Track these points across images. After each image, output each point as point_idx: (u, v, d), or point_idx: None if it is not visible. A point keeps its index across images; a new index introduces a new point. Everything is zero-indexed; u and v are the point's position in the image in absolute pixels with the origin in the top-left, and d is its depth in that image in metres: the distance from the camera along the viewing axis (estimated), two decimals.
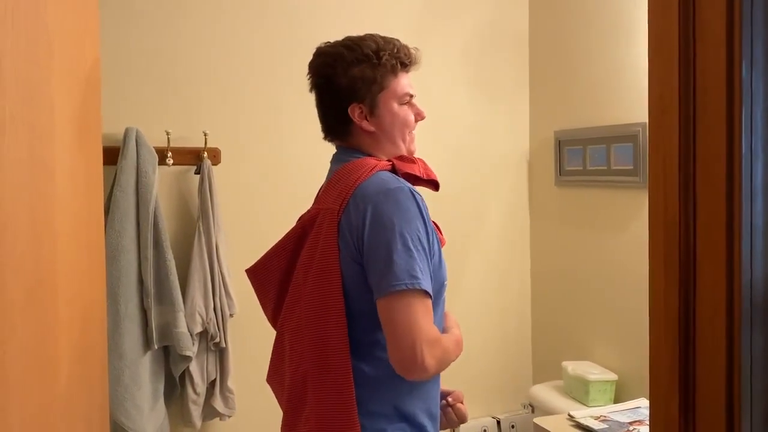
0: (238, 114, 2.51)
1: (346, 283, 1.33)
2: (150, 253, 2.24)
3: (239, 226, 2.52)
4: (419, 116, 1.53)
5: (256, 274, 1.55)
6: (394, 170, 1.44)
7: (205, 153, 2.40)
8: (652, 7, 0.85)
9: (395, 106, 1.47)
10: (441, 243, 1.43)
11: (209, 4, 2.47)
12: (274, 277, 1.49)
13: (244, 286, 2.50)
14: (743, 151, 0.73)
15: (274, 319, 1.53)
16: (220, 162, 2.46)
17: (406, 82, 1.49)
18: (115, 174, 2.24)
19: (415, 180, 1.47)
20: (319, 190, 1.55)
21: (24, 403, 0.82)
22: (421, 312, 1.25)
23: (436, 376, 1.43)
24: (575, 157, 2.69)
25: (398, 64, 1.46)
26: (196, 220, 2.39)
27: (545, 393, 2.56)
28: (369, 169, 1.39)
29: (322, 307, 1.34)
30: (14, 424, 0.79)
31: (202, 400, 2.37)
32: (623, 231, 2.46)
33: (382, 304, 1.27)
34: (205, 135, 2.40)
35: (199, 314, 2.31)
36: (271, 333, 2.54)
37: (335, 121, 1.49)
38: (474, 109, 2.90)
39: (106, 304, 1.23)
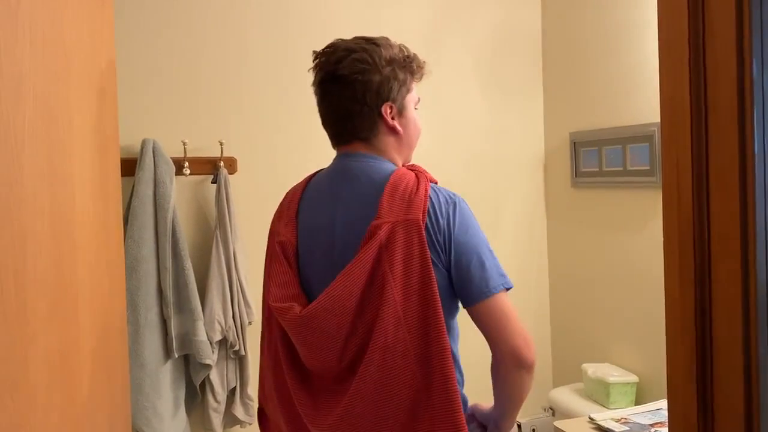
0: (254, 123, 2.53)
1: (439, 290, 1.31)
2: (169, 262, 2.26)
3: (256, 234, 2.53)
4: (420, 125, 1.54)
5: (314, 320, 1.32)
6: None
7: (222, 162, 2.42)
8: (662, 7, 0.85)
9: (413, 110, 1.49)
10: None
11: (223, 15, 2.49)
12: (347, 310, 1.31)
13: (261, 294, 2.52)
14: (756, 150, 0.73)
15: (339, 360, 1.34)
16: (236, 171, 2.48)
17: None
18: (133, 185, 2.26)
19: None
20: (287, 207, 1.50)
21: (47, 413, 0.83)
22: (513, 309, 1.35)
23: None
24: (591, 159, 2.68)
25: (420, 69, 1.48)
26: (213, 229, 2.41)
27: (565, 396, 2.55)
28: (424, 179, 1.38)
29: (432, 323, 1.30)
30: None
31: (222, 407, 2.38)
32: (641, 231, 2.44)
33: (483, 307, 1.32)
34: (221, 144, 2.43)
35: (218, 322, 2.33)
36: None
37: (364, 121, 1.43)
38: (489, 112, 2.90)
39: (126, 313, 1.24)
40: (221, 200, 2.39)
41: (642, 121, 2.40)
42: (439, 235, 1.32)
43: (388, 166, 1.43)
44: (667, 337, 0.88)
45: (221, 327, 2.33)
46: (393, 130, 1.44)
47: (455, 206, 1.35)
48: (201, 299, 2.32)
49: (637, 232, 2.47)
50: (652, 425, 1.99)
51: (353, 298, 1.29)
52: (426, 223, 1.31)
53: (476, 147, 2.86)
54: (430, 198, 1.35)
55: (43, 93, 0.83)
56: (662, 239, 0.87)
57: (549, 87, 2.95)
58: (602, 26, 2.62)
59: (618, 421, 2.04)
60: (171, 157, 2.33)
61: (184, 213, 2.43)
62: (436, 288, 1.29)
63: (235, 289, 2.38)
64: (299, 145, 2.59)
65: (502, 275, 1.34)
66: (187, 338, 2.29)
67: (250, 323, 2.44)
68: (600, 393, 2.40)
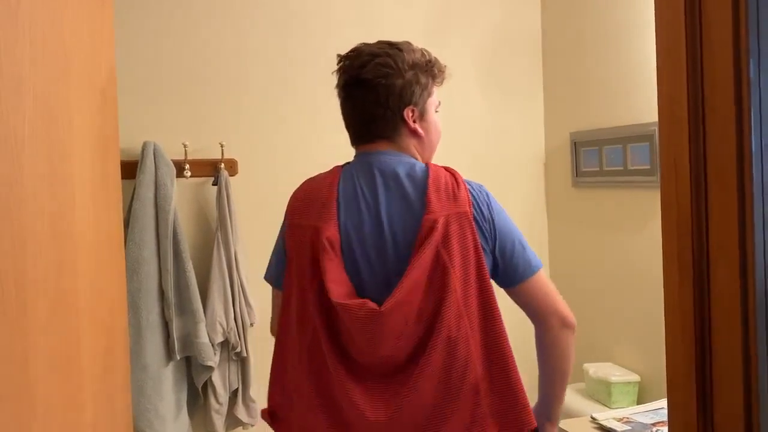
0: (254, 125, 2.53)
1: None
2: (170, 264, 2.26)
3: (257, 235, 2.54)
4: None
5: (390, 316, 1.32)
6: None
7: (222, 164, 2.43)
8: (659, 8, 0.86)
9: (434, 113, 1.53)
10: None
11: (224, 17, 2.49)
12: (415, 303, 1.33)
13: (263, 296, 2.52)
14: (753, 149, 0.73)
15: (412, 350, 1.34)
16: (237, 173, 2.49)
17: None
18: (134, 187, 2.27)
19: None
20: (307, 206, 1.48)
21: (49, 415, 0.83)
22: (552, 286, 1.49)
23: None
24: (591, 158, 2.68)
25: (441, 73, 1.52)
26: (214, 230, 2.42)
27: (567, 396, 2.53)
28: (457, 173, 1.45)
29: (487, 306, 1.38)
30: None
31: (224, 409, 2.38)
32: (642, 231, 2.44)
33: (530, 283, 1.45)
34: (222, 146, 2.43)
35: (220, 324, 2.33)
36: None
37: (387, 123, 1.47)
38: (489, 112, 2.90)
39: (127, 315, 1.24)
40: (222, 202, 2.39)
41: (642, 120, 2.40)
42: (485, 223, 1.41)
43: (419, 163, 1.47)
44: (667, 337, 0.88)
45: (223, 329, 2.34)
46: (414, 134, 1.48)
47: (488, 195, 1.45)
48: (202, 301, 2.33)
49: (638, 232, 2.47)
50: (653, 424, 1.99)
51: (419, 292, 1.32)
52: (473, 214, 1.39)
53: (476, 147, 2.86)
54: (470, 190, 1.42)
55: (43, 94, 0.83)
56: None
57: (549, 87, 2.95)
58: (602, 26, 2.62)
59: (620, 420, 2.04)
60: (172, 159, 2.34)
61: (185, 215, 2.44)
62: (488, 276, 1.38)
63: (236, 290, 2.38)
64: (299, 147, 2.60)
65: (536, 255, 1.47)
66: (189, 340, 2.30)
67: (251, 325, 2.44)
68: (602, 393, 2.40)
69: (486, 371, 1.35)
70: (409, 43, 1.50)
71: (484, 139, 2.89)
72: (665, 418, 2.01)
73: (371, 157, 1.48)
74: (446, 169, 1.47)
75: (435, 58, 1.52)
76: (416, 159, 1.49)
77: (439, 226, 1.34)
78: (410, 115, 1.46)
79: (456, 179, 1.43)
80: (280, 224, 2.57)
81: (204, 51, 2.47)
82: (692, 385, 0.83)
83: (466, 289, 1.35)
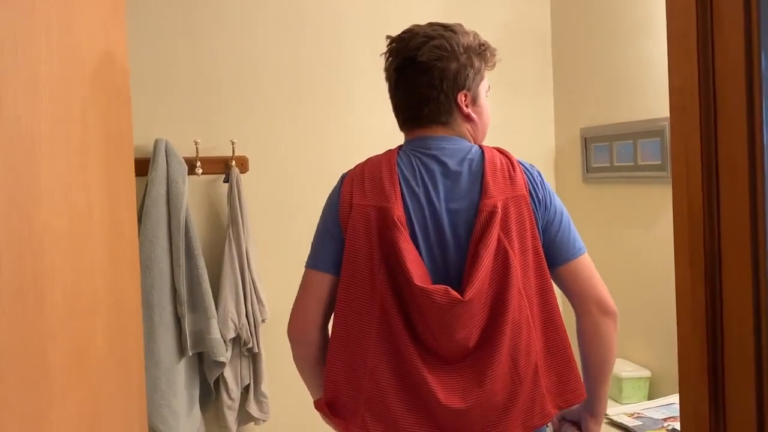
0: (265, 122, 2.54)
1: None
2: (182, 261, 2.28)
3: (268, 232, 2.55)
4: None
5: (470, 305, 1.31)
6: None
7: (234, 161, 2.44)
8: (670, 1, 0.86)
9: (485, 98, 1.53)
10: None
11: (235, 15, 2.50)
12: (485, 290, 1.33)
13: (274, 292, 2.53)
14: (765, 143, 0.73)
15: (481, 337, 1.34)
16: (248, 170, 2.50)
17: None
18: (146, 185, 2.28)
19: None
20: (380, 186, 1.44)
21: (66, 408, 0.85)
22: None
23: None
24: (602, 154, 2.68)
25: (491, 57, 1.51)
26: (226, 227, 2.43)
27: None
28: (511, 155, 1.47)
29: (544, 287, 1.41)
30: (57, 431, 0.82)
31: (236, 405, 2.40)
32: (653, 226, 2.44)
33: (575, 264, 1.46)
34: (233, 144, 2.44)
35: (232, 320, 2.35)
36: None
37: (441, 107, 1.45)
38: (499, 109, 2.88)
39: (141, 312, 1.26)
40: (233, 199, 2.40)
41: (653, 115, 2.40)
42: (539, 205, 1.42)
43: (474, 147, 1.46)
44: (679, 332, 0.88)
45: (234, 325, 2.35)
46: (468, 118, 1.48)
47: (541, 176, 1.47)
48: (214, 297, 2.34)
49: (648, 227, 2.46)
50: (665, 420, 1.99)
51: (488, 277, 1.33)
52: (530, 196, 1.41)
53: (487, 143, 2.86)
54: (525, 171, 1.44)
55: (59, 93, 0.84)
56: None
57: (559, 83, 2.95)
58: (612, 21, 2.61)
59: (631, 416, 2.04)
60: (183, 157, 2.35)
61: (197, 212, 2.45)
62: (544, 258, 1.41)
63: (248, 287, 2.39)
64: (310, 143, 2.60)
65: (579, 237, 1.49)
66: (201, 336, 2.31)
67: (263, 321, 2.46)
68: (612, 388, 2.40)
69: (544, 350, 1.39)
70: (461, 26, 1.50)
71: (494, 136, 2.86)
72: (676, 414, 2.01)
73: (427, 141, 1.46)
74: (499, 150, 1.47)
75: (486, 41, 1.51)
76: (470, 143, 1.49)
77: (499, 210, 1.35)
78: (463, 99, 1.46)
79: (511, 161, 1.44)
80: (291, 220, 2.59)
81: (215, 49, 2.48)
82: (704, 380, 0.83)
83: (525, 272, 1.37)
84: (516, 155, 3.02)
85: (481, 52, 1.48)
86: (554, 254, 1.44)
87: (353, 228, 1.41)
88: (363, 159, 2.82)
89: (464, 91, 1.45)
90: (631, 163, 2.51)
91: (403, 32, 1.50)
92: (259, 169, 2.53)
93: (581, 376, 1.41)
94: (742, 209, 0.75)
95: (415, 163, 1.43)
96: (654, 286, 2.45)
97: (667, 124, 2.31)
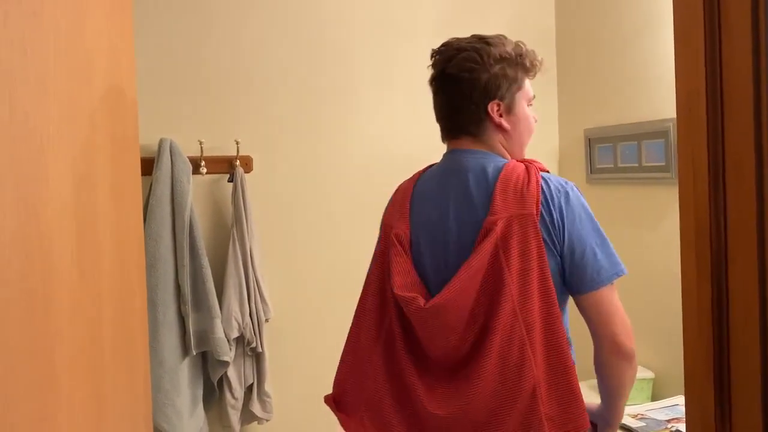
0: (269, 122, 2.55)
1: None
2: (186, 260, 2.28)
3: (272, 232, 2.56)
4: (535, 120, 1.57)
5: (439, 310, 1.34)
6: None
7: (238, 161, 2.44)
8: (677, 1, 0.86)
9: (525, 107, 1.53)
10: None
11: (240, 14, 2.51)
12: (466, 304, 1.35)
13: (278, 292, 2.54)
14: None
15: (456, 350, 1.37)
16: (252, 170, 2.50)
17: (530, 84, 1.55)
18: (151, 184, 2.29)
19: None
20: (406, 203, 1.51)
21: (73, 408, 0.85)
22: (619, 300, 1.41)
23: None
24: (606, 155, 2.68)
25: (534, 66, 1.52)
26: (230, 227, 2.43)
27: (582, 392, 2.54)
28: (534, 170, 1.41)
29: (548, 311, 1.35)
30: (64, 429, 0.82)
31: (240, 404, 2.40)
32: (657, 227, 2.43)
33: (593, 297, 1.38)
34: (237, 144, 2.45)
35: (236, 320, 2.35)
36: (306, 337, 2.57)
37: (472, 117, 1.48)
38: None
39: (147, 311, 1.26)
40: (237, 199, 2.40)
41: (657, 116, 2.39)
42: (553, 228, 1.36)
43: (498, 161, 1.46)
44: (685, 333, 0.88)
45: (238, 324, 2.35)
46: (500, 127, 1.49)
47: (567, 196, 1.39)
48: (218, 297, 2.35)
49: (652, 228, 2.46)
50: (668, 421, 1.99)
51: (472, 293, 1.33)
52: (541, 215, 1.36)
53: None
54: (543, 189, 1.38)
55: (66, 94, 0.85)
56: (678, 235, 0.87)
57: (563, 83, 2.95)
58: (616, 22, 2.61)
59: (634, 417, 2.04)
60: (188, 157, 2.35)
61: (201, 212, 2.45)
62: (552, 283, 1.34)
63: (251, 286, 2.40)
64: (314, 144, 2.61)
65: (615, 263, 1.39)
66: (205, 335, 2.31)
67: (267, 320, 2.46)
68: None
69: (546, 375, 1.33)
70: (501, 37, 1.50)
71: None
72: (680, 415, 2.01)
73: (454, 155, 1.50)
74: (528, 164, 1.44)
75: (529, 50, 1.52)
76: (502, 154, 1.50)
77: (498, 228, 1.34)
78: (495, 109, 1.47)
79: (529, 177, 1.39)
80: (295, 220, 2.59)
81: (220, 49, 2.48)
82: (710, 382, 0.83)
83: (525, 292, 1.33)
84: None
85: (519, 62, 1.49)
86: (573, 282, 1.40)
87: (377, 242, 1.56)
88: (367, 160, 2.83)
89: (496, 101, 1.47)
90: (636, 164, 2.51)
91: (441, 45, 1.53)
92: (264, 169, 2.53)
93: (584, 409, 1.36)
94: (748, 210, 0.75)
95: (434, 180, 1.50)
96: (656, 288, 2.44)
97: (671, 125, 2.31)
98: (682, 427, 1.93)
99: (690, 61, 0.83)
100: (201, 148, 2.40)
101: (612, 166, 2.64)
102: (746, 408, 0.80)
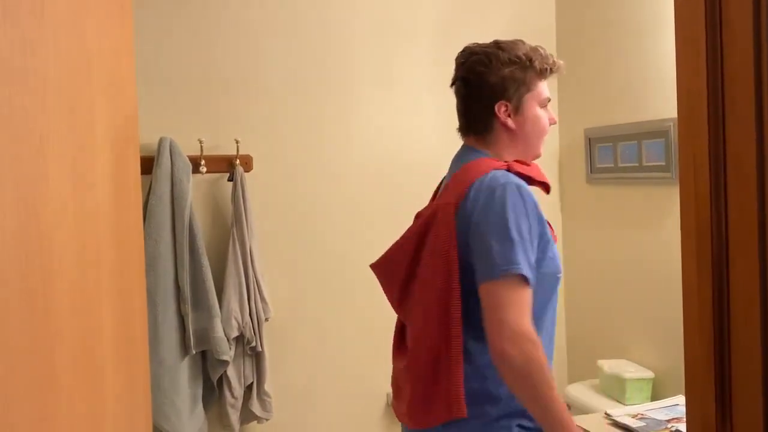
0: (269, 121, 2.55)
1: (462, 267, 1.44)
2: (186, 259, 2.28)
3: (272, 231, 2.55)
4: (552, 121, 1.64)
5: (380, 268, 1.63)
6: (508, 170, 1.52)
7: (238, 160, 2.44)
8: (679, 1, 0.86)
9: (537, 108, 1.59)
10: (554, 239, 1.51)
11: (240, 14, 2.51)
12: (399, 269, 1.56)
13: (278, 291, 2.54)
14: None
15: (399, 308, 1.62)
16: (252, 169, 2.50)
17: (546, 87, 1.60)
18: (151, 183, 2.29)
19: (529, 181, 1.54)
20: (438, 188, 1.69)
21: (73, 407, 0.85)
22: (519, 300, 1.35)
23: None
24: (606, 155, 2.67)
25: (548, 70, 1.58)
26: (230, 226, 2.43)
27: (581, 392, 2.55)
28: (486, 168, 1.49)
29: (446, 289, 1.43)
30: (64, 428, 0.82)
31: (239, 403, 2.40)
32: (657, 227, 2.43)
33: (483, 289, 1.39)
34: (237, 143, 2.44)
35: (235, 319, 2.35)
36: (306, 337, 2.58)
37: (479, 116, 1.58)
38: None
39: (146, 311, 1.26)
40: (237, 198, 2.40)
41: (657, 116, 2.39)
42: (464, 216, 1.45)
43: (482, 159, 1.54)
44: (685, 333, 0.88)
45: (238, 324, 2.35)
46: (505, 127, 1.56)
47: (493, 193, 1.42)
48: (218, 296, 2.35)
49: (652, 228, 2.46)
50: (668, 421, 1.99)
51: (402, 263, 1.55)
52: (461, 206, 1.46)
53: None
54: (474, 184, 1.46)
55: (66, 93, 0.85)
56: (678, 235, 0.87)
57: (563, 83, 2.94)
58: (617, 21, 2.61)
59: (634, 417, 2.04)
60: (187, 156, 2.35)
61: (201, 211, 2.45)
62: (455, 265, 1.43)
63: (251, 286, 2.40)
64: (315, 143, 2.61)
65: (510, 261, 1.36)
66: (205, 334, 2.31)
67: (266, 319, 2.46)
68: (616, 389, 2.40)
69: (444, 348, 1.44)
70: (516, 42, 1.58)
71: None
72: (680, 415, 2.01)
73: (459, 151, 1.63)
74: (496, 163, 1.51)
75: (543, 54, 1.57)
76: (501, 154, 1.57)
77: (423, 217, 1.52)
78: (503, 109, 1.55)
79: (478, 172, 1.48)
80: (294, 219, 2.59)
81: (220, 48, 2.48)
82: (711, 381, 0.83)
83: (433, 272, 1.46)
84: None
85: (530, 65, 1.55)
86: (475, 270, 1.42)
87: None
88: (367, 159, 2.83)
89: (503, 101, 1.55)
90: (636, 164, 2.51)
91: (461, 50, 1.64)
92: (264, 168, 2.53)
93: (459, 394, 1.39)
94: (750, 210, 0.75)
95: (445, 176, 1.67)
96: (656, 287, 2.44)
97: (672, 124, 2.31)
98: (683, 427, 1.93)
99: (691, 60, 0.82)
100: (201, 147, 2.40)
101: (612, 165, 2.64)
102: (747, 408, 0.80)
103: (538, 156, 1.64)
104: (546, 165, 2.97)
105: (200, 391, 2.38)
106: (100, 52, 0.98)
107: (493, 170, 1.47)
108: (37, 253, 0.75)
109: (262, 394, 2.44)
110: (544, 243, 1.45)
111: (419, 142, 2.71)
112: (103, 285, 0.96)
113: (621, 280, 2.66)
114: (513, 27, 2.89)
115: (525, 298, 1.36)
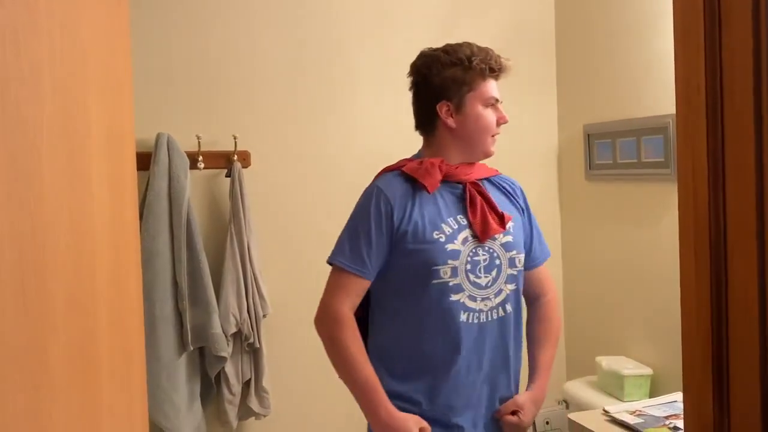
0: (267, 117, 2.54)
1: None
2: (183, 256, 2.28)
3: (270, 227, 2.55)
4: (502, 120, 1.68)
5: None
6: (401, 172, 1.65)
7: (236, 156, 2.43)
8: None
9: (480, 107, 1.63)
10: (488, 229, 1.59)
11: (237, 9, 2.50)
12: None
13: (276, 288, 2.53)
14: None
15: None
16: (250, 165, 2.49)
17: (493, 86, 1.65)
18: (148, 179, 2.28)
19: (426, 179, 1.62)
20: None
21: (68, 404, 0.84)
22: (335, 285, 1.60)
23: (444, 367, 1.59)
24: (605, 151, 2.67)
25: (487, 70, 1.62)
26: (227, 222, 2.43)
27: (579, 389, 2.55)
28: (383, 170, 1.68)
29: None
30: (60, 427, 0.82)
31: (237, 400, 2.40)
32: (656, 223, 2.43)
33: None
34: (235, 138, 2.44)
35: (233, 315, 2.35)
36: (304, 333, 2.58)
37: (424, 117, 1.67)
38: (502, 105, 2.88)
39: (143, 307, 1.25)
40: (235, 194, 2.40)
41: (656, 112, 2.39)
42: None
43: (400, 161, 1.69)
44: (683, 330, 0.88)
45: (236, 320, 2.35)
46: (447, 126, 1.63)
47: (369, 191, 1.63)
48: (216, 292, 2.34)
49: (651, 224, 2.46)
50: (666, 417, 1.99)
51: None
52: None
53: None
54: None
55: (61, 87, 0.84)
56: (677, 231, 0.86)
57: (563, 79, 2.94)
58: (616, 17, 2.60)
59: (632, 413, 2.04)
60: (185, 151, 2.35)
61: (199, 207, 2.45)
62: None
63: (249, 281, 2.39)
64: (312, 138, 2.60)
65: (335, 252, 1.61)
66: (203, 331, 2.31)
67: (264, 316, 2.45)
68: (614, 386, 2.40)
69: None
70: (462, 45, 1.63)
71: None
72: (678, 411, 2.01)
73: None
74: (394, 165, 1.67)
75: (490, 54, 1.63)
76: (446, 152, 1.64)
77: None
78: (444, 109, 1.61)
79: (378, 175, 1.67)
80: (292, 215, 2.59)
81: (218, 44, 2.47)
82: (708, 377, 0.83)
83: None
84: (519, 151, 3.03)
85: (471, 66, 1.60)
86: None
87: None
88: (364, 154, 2.83)
89: (444, 101, 1.61)
90: (635, 160, 2.50)
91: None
92: (261, 164, 2.52)
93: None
94: (748, 206, 0.75)
95: None
96: (655, 284, 2.44)
97: (670, 120, 2.31)
98: (681, 423, 1.92)
99: (690, 55, 0.82)
100: (198, 142, 2.40)
101: (611, 162, 2.64)
102: (745, 405, 0.79)
103: (488, 154, 1.69)
104: (545, 161, 2.97)
105: (198, 388, 2.38)
106: (95, 47, 0.97)
107: (384, 172, 1.66)
108: (30, 248, 0.74)
109: (260, 391, 2.44)
110: (398, 237, 1.56)
111: (418, 137, 2.70)
112: (98, 280, 0.96)
113: (620, 277, 2.65)
114: (512, 23, 2.88)
115: (341, 282, 1.59)
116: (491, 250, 1.61)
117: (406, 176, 1.62)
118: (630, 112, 2.53)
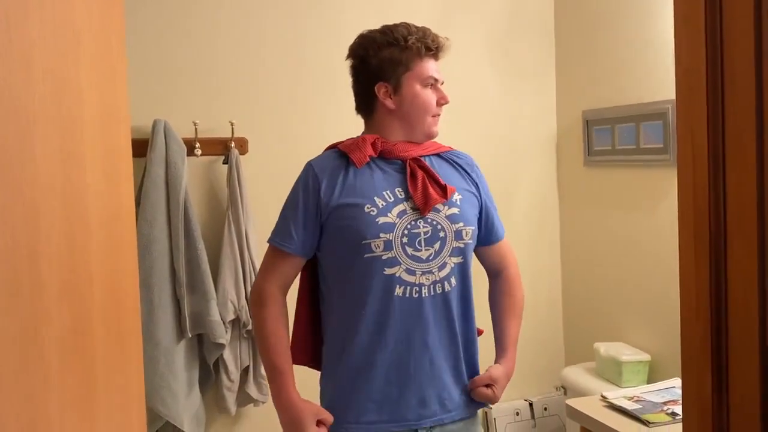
0: (264, 103, 2.52)
1: None
2: (181, 242, 2.27)
3: (268, 214, 2.53)
4: (442, 100, 1.64)
5: None
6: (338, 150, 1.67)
7: (233, 143, 2.42)
8: None
9: (418, 87, 1.61)
10: (429, 200, 1.55)
11: None
12: None
13: None
14: None
15: None
16: (247, 151, 2.48)
17: (431, 66, 1.62)
18: (145, 166, 2.27)
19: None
20: None
21: (62, 391, 0.84)
22: (265, 262, 1.66)
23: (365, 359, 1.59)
24: (604, 137, 2.66)
25: (423, 48, 1.59)
26: (225, 209, 2.42)
27: (578, 375, 2.55)
28: (336, 144, 1.68)
29: None
30: (54, 413, 0.81)
31: (236, 386, 2.40)
32: (654, 210, 2.43)
33: None
34: (232, 125, 2.42)
35: (231, 302, 2.34)
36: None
37: (363, 98, 1.66)
38: (501, 92, 2.87)
39: (139, 293, 1.25)
40: (233, 181, 2.39)
41: (655, 98, 2.38)
42: None
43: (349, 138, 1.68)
44: (682, 316, 0.87)
45: (234, 306, 2.35)
46: (385, 107, 1.62)
47: (304, 168, 1.67)
48: (214, 279, 2.34)
49: (650, 211, 2.45)
50: (664, 403, 1.99)
51: None
52: None
53: (489, 127, 2.84)
54: None
55: (53, 72, 0.83)
56: (676, 217, 0.86)
57: (561, 65, 2.92)
58: (615, 2, 2.58)
59: (630, 399, 2.04)
60: (182, 138, 2.33)
61: (196, 194, 2.44)
62: None
63: (247, 269, 2.39)
64: (310, 125, 2.58)
65: (272, 232, 1.67)
66: (201, 318, 2.31)
67: None
68: (612, 372, 2.40)
69: None
70: (398, 25, 1.62)
71: (496, 118, 2.87)
72: (676, 397, 2.01)
73: None
74: (334, 144, 1.69)
75: (426, 33, 1.60)
76: (386, 132, 1.63)
77: None
78: (382, 90, 1.61)
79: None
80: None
81: (215, 29, 2.45)
82: (707, 364, 0.82)
83: None
84: (517, 138, 3.02)
85: (407, 45, 1.58)
86: None
87: None
88: None
89: (382, 83, 1.60)
90: (634, 146, 2.49)
91: None
92: (259, 151, 2.51)
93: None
94: (749, 192, 0.74)
95: None
96: (654, 270, 2.44)
97: (670, 106, 2.29)
98: (679, 409, 1.93)
99: (690, 39, 0.81)
100: (195, 129, 2.38)
101: (610, 148, 2.63)
102: (743, 391, 0.79)
103: (431, 135, 1.66)
104: (543, 148, 2.96)
105: (197, 375, 2.38)
106: (89, 30, 0.96)
107: (328, 150, 1.69)
108: (23, 232, 0.73)
109: (258, 377, 2.44)
110: (328, 212, 1.58)
111: None
112: (93, 265, 0.95)
113: (618, 263, 2.65)
114: (511, 8, 2.86)
115: (271, 260, 1.64)
116: (434, 222, 1.57)
117: (340, 153, 1.63)
118: (629, 98, 2.52)
